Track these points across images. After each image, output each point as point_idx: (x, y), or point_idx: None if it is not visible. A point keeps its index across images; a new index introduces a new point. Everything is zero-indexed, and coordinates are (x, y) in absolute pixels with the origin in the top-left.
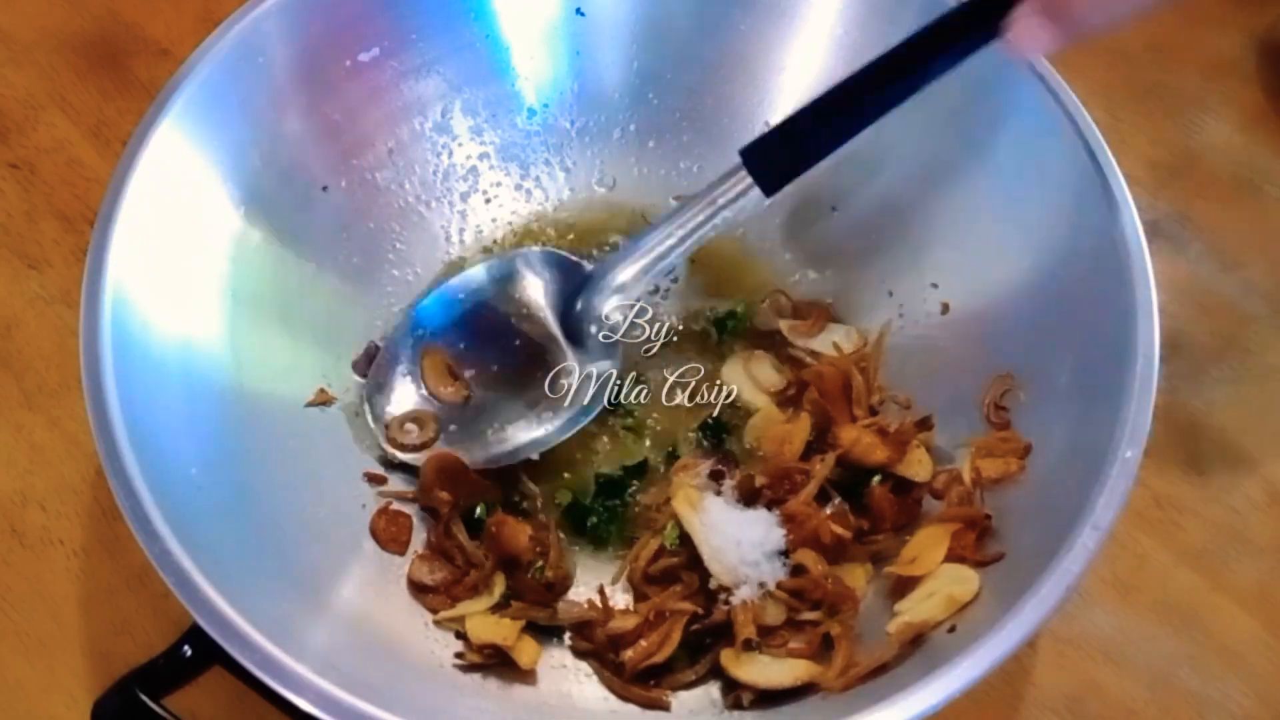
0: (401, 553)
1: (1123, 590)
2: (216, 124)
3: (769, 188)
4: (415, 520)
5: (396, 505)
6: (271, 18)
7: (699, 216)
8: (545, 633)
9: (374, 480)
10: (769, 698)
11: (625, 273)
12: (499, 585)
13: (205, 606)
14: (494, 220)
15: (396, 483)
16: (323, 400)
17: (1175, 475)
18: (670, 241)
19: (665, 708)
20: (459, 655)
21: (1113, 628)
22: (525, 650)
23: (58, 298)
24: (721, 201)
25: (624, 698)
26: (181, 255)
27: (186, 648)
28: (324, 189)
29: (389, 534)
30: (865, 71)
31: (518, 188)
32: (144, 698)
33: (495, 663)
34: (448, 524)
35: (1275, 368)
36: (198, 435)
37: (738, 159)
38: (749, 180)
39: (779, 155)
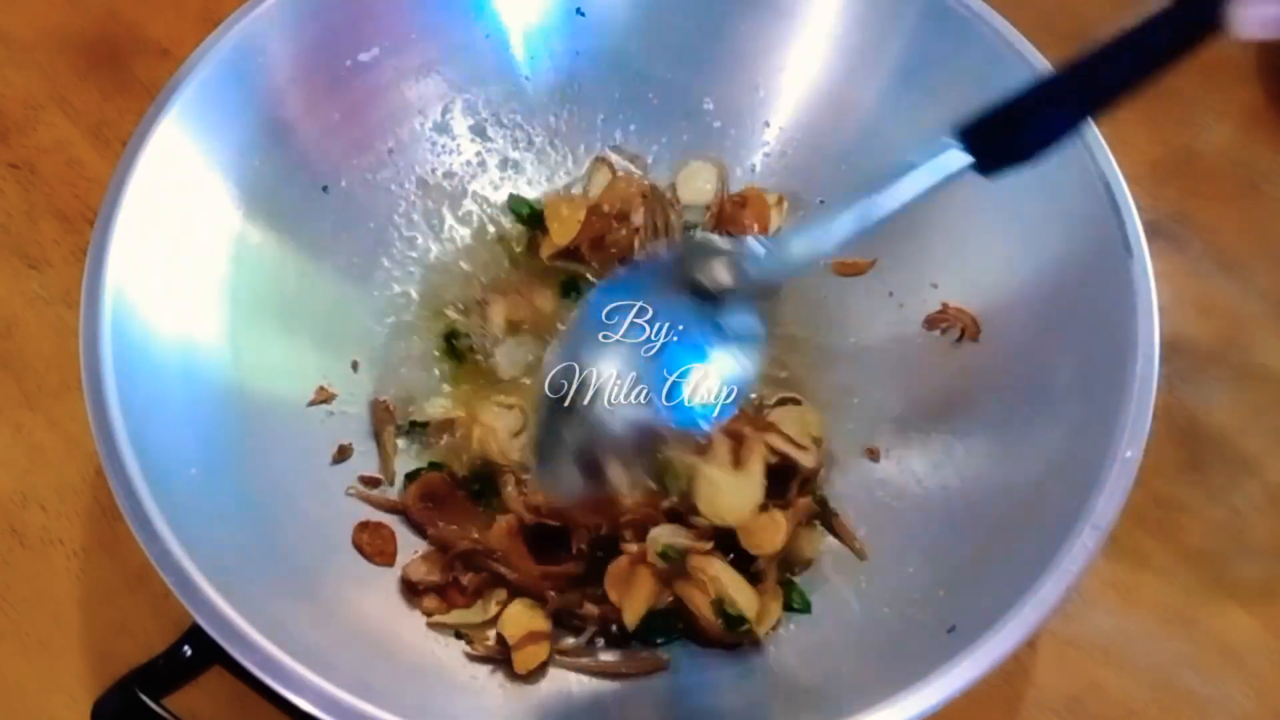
0: (390, 564)
1: (1123, 590)
2: (216, 124)
3: (988, 168)
4: (397, 530)
5: (377, 517)
6: (271, 18)
7: (901, 196)
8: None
9: (368, 483)
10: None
11: (799, 249)
12: (498, 597)
13: (205, 606)
14: (494, 220)
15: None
16: (323, 399)
17: (1175, 475)
18: (851, 224)
19: (664, 666)
20: (469, 642)
21: (1113, 628)
22: (530, 654)
23: (58, 298)
24: (929, 183)
25: (622, 674)
26: (181, 255)
27: (186, 648)
28: (324, 189)
29: (374, 547)
30: (1098, 54)
31: (516, 189)
32: (144, 698)
33: (503, 658)
34: (454, 560)
35: (1275, 368)
36: (198, 435)
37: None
38: (961, 161)
39: (1002, 136)
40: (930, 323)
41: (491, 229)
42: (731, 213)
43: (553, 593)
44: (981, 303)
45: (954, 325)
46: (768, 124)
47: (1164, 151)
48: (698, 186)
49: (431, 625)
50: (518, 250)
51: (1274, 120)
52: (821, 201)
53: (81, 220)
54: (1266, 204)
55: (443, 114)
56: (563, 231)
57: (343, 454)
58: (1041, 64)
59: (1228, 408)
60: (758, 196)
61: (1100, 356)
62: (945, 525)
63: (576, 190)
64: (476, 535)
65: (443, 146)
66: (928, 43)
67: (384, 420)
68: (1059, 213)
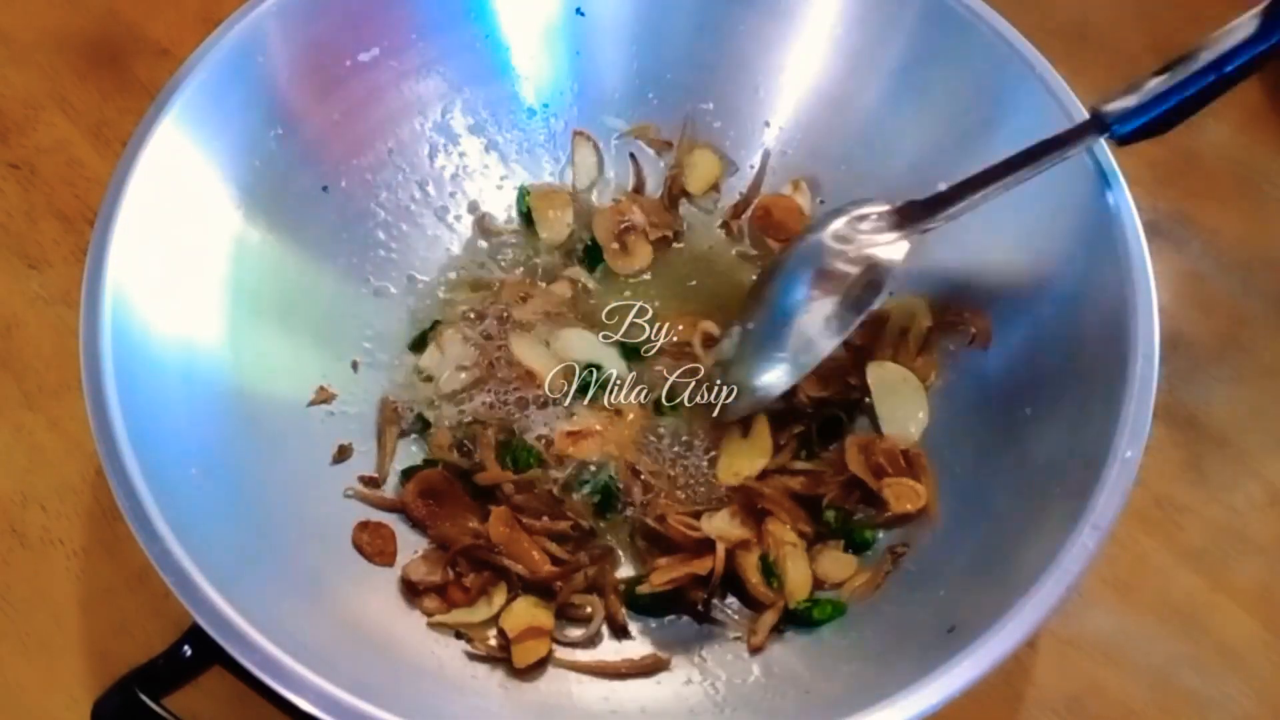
0: (390, 564)
1: (1123, 590)
2: (216, 124)
3: (1124, 139)
4: (397, 530)
5: (376, 517)
6: (271, 18)
7: (1026, 167)
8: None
9: (368, 483)
10: None
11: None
12: (499, 596)
13: (205, 606)
14: (493, 219)
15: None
16: (323, 399)
17: (1175, 475)
18: (986, 190)
19: (665, 666)
20: (469, 642)
21: (1113, 628)
22: (529, 649)
23: (58, 298)
24: (1065, 152)
25: (622, 674)
26: (181, 255)
27: (186, 648)
28: (324, 189)
29: (374, 547)
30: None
31: (518, 188)
32: (144, 698)
33: (503, 657)
34: (456, 556)
35: (1275, 367)
36: (198, 435)
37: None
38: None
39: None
40: (944, 326)
41: (492, 227)
42: (763, 221)
43: (559, 584)
44: (981, 303)
45: (967, 330)
46: (768, 124)
47: (1164, 151)
48: (702, 175)
49: (431, 625)
50: (516, 247)
51: (1274, 120)
52: (821, 202)
53: (81, 220)
54: (1266, 204)
55: (443, 114)
56: (553, 234)
57: (343, 454)
58: (1041, 64)
59: (1228, 408)
60: (776, 203)
61: (1100, 356)
62: (945, 525)
63: (566, 172)
64: (476, 526)
65: (443, 146)
66: (928, 43)
67: (390, 420)
68: (1059, 213)
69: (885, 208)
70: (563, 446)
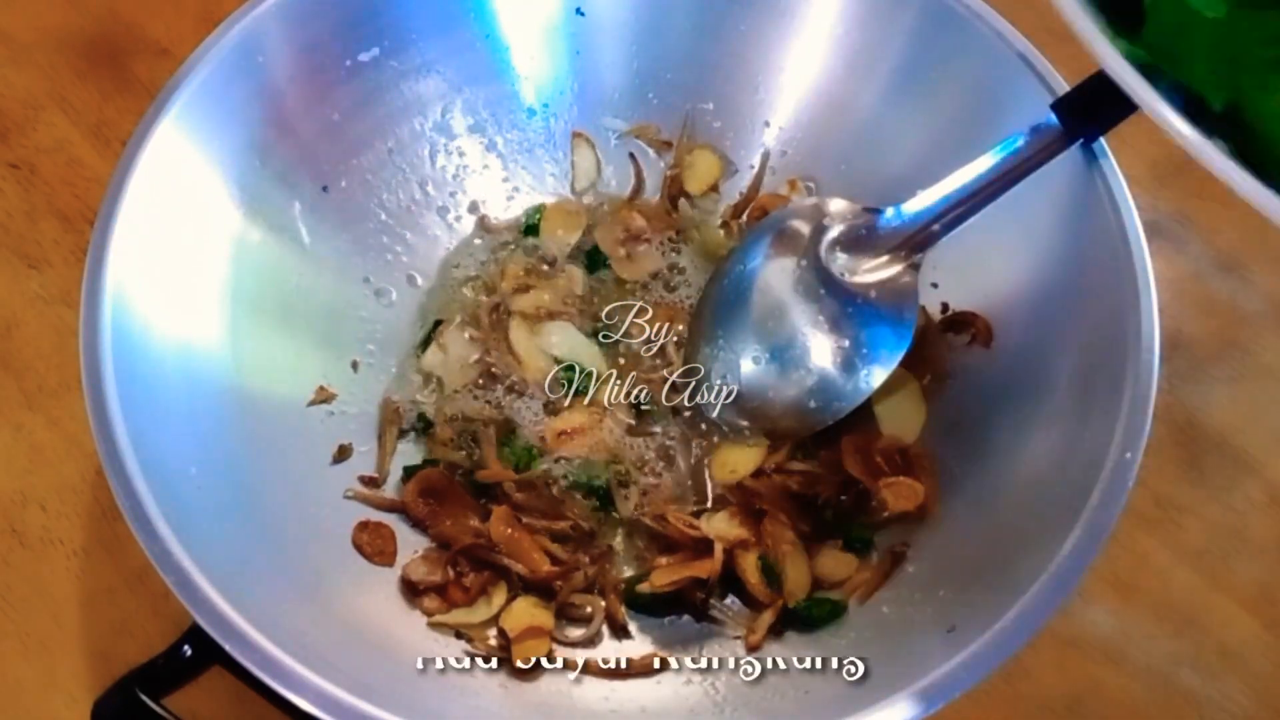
0: (390, 564)
1: (1123, 590)
2: (216, 124)
3: (1085, 135)
4: (397, 530)
5: (376, 517)
6: (271, 18)
7: (1000, 180)
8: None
9: (368, 483)
10: None
11: (898, 236)
12: (499, 597)
13: (205, 606)
14: (494, 219)
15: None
16: (323, 399)
17: (1175, 475)
18: (959, 210)
19: (665, 665)
20: (469, 641)
21: (1113, 628)
22: (529, 648)
23: (58, 298)
24: (1031, 160)
25: (622, 674)
26: (181, 255)
27: (186, 648)
28: (324, 189)
29: (374, 547)
30: None
31: (517, 189)
32: (144, 698)
33: (504, 656)
34: (457, 556)
35: (1275, 368)
36: (198, 435)
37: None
38: (1057, 135)
39: (1099, 101)
40: (947, 324)
41: (493, 226)
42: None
43: (559, 584)
44: (981, 303)
45: (967, 329)
46: (768, 124)
47: (1164, 151)
48: (701, 175)
49: (431, 625)
50: (515, 249)
51: None
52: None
53: (81, 220)
54: None
55: (443, 114)
56: (550, 246)
57: (343, 454)
58: (1041, 63)
59: (1228, 408)
60: (774, 202)
61: (1100, 357)
62: (945, 525)
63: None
64: (477, 525)
65: (443, 146)
66: (928, 43)
67: (391, 420)
68: (1059, 213)
69: (841, 228)
70: (555, 445)
